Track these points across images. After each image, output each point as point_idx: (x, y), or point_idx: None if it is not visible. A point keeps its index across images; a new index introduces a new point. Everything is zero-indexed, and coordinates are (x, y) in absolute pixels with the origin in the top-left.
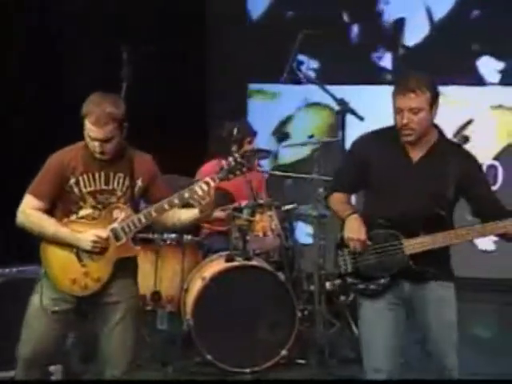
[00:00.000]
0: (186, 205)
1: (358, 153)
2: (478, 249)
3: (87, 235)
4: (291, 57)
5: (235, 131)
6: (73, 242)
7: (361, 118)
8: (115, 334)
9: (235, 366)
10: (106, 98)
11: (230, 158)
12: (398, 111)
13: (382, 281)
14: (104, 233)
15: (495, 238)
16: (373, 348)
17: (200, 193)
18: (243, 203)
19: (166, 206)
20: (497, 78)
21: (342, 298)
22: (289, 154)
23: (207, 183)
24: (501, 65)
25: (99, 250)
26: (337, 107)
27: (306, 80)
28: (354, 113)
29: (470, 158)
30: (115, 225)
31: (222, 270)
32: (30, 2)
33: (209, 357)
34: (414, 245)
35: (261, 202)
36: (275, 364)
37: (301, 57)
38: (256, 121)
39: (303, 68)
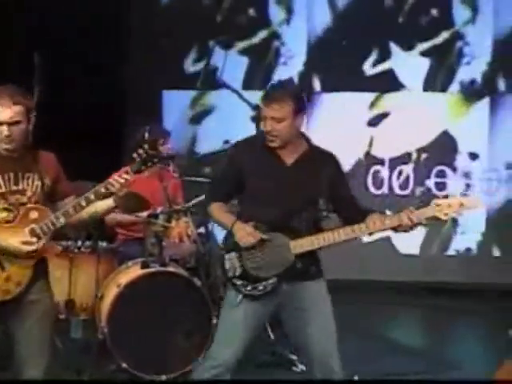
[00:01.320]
0: None
1: (232, 160)
2: (401, 253)
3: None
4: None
5: (146, 134)
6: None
7: None
8: (33, 333)
9: (151, 373)
10: (14, 86)
11: (140, 150)
12: (263, 118)
13: (270, 281)
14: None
15: (419, 242)
16: (222, 347)
17: (116, 185)
18: (159, 209)
19: (83, 203)
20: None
21: None
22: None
23: (121, 176)
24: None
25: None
26: (252, 113)
27: (224, 85)
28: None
29: (337, 164)
30: (34, 225)
31: (138, 277)
32: None
33: (124, 364)
34: (300, 245)
35: (177, 207)
36: (191, 370)
37: (219, 63)
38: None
39: (220, 74)
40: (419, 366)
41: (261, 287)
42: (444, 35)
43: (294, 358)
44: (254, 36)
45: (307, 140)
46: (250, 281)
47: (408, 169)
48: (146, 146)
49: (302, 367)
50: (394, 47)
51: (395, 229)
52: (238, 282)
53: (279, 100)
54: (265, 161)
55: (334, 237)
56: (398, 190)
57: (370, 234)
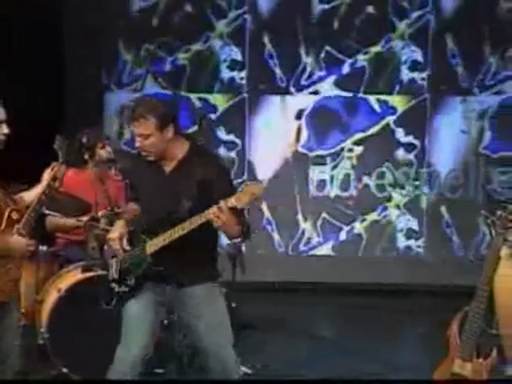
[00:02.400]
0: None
1: (123, 172)
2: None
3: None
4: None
5: (84, 139)
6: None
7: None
8: None
9: (92, 378)
10: None
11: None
12: (136, 136)
13: (129, 282)
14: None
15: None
16: (126, 344)
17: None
18: (100, 212)
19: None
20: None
21: None
22: None
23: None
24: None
25: None
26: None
27: (164, 88)
28: (212, 121)
29: (216, 165)
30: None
31: (78, 281)
32: None
33: (64, 369)
34: (153, 244)
35: (118, 210)
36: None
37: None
38: None
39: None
40: (364, 366)
41: (124, 288)
42: (385, 37)
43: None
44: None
45: (191, 144)
46: (120, 282)
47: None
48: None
49: (245, 369)
50: (333, 52)
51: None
52: (113, 284)
53: (142, 117)
54: (147, 172)
55: (177, 230)
56: (338, 191)
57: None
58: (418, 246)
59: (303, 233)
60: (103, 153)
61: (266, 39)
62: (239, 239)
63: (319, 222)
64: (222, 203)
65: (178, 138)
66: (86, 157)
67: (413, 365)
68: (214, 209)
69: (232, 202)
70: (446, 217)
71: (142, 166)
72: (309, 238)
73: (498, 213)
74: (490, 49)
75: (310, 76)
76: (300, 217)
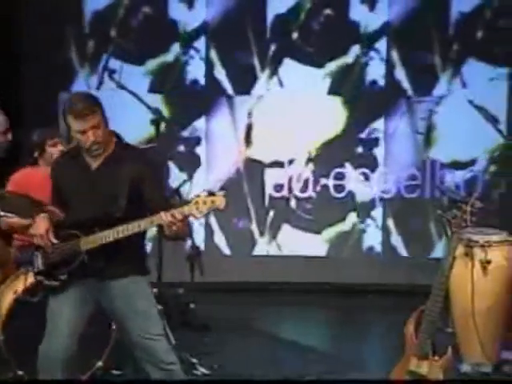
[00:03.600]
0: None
1: (51, 174)
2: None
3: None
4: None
5: (35, 137)
6: None
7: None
8: None
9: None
10: None
11: None
12: (81, 133)
13: (62, 277)
14: None
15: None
16: (52, 339)
17: None
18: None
19: None
20: None
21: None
22: None
23: None
24: None
25: None
26: (152, 116)
27: (121, 87)
28: (168, 122)
29: (146, 162)
30: None
31: (35, 284)
32: None
33: (20, 372)
34: (88, 241)
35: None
36: (91, 375)
37: (115, 64)
38: None
39: (117, 76)
40: (320, 367)
41: (55, 282)
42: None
43: (195, 361)
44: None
45: (117, 140)
46: (49, 276)
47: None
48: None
49: (202, 370)
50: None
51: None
52: (39, 277)
53: (90, 110)
54: (74, 170)
55: (117, 232)
56: (297, 193)
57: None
58: (377, 247)
59: (262, 234)
60: (54, 151)
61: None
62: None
63: (275, 224)
64: (176, 212)
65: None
66: (35, 154)
67: (370, 364)
68: (169, 216)
69: (193, 212)
70: (403, 217)
71: (68, 162)
72: (268, 239)
73: (454, 212)
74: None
75: (264, 78)
76: (254, 220)
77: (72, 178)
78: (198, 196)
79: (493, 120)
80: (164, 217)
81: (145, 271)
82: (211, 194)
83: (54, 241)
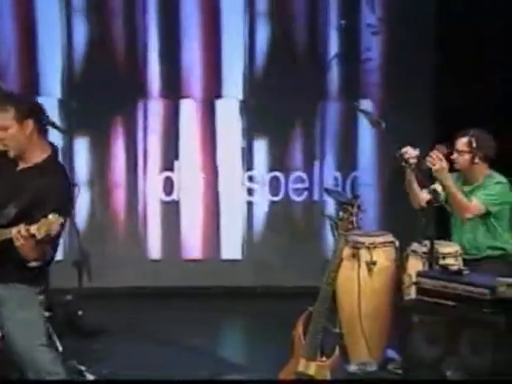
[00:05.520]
0: None
1: None
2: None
3: None
4: None
5: None
6: None
7: (61, 131)
8: None
9: None
10: None
11: None
12: None
13: None
14: None
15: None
16: None
17: None
18: None
19: None
20: None
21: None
22: None
23: None
24: None
25: None
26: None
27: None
28: (55, 126)
29: (56, 184)
30: None
31: None
32: None
33: None
34: None
35: None
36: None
37: None
38: None
39: None
40: (211, 369)
41: None
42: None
43: (83, 368)
44: None
45: (52, 153)
46: None
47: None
48: None
49: (90, 377)
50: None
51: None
52: None
53: (1, 108)
54: (4, 167)
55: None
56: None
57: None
58: (267, 249)
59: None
60: None
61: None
62: (35, 263)
63: (167, 228)
64: (22, 227)
65: (40, 140)
66: None
67: (259, 365)
68: (16, 229)
69: (31, 230)
70: (291, 219)
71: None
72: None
73: (341, 214)
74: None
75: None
76: (148, 223)
77: (2, 176)
78: (46, 217)
79: (377, 124)
80: (13, 230)
81: (26, 279)
82: (50, 216)
83: None
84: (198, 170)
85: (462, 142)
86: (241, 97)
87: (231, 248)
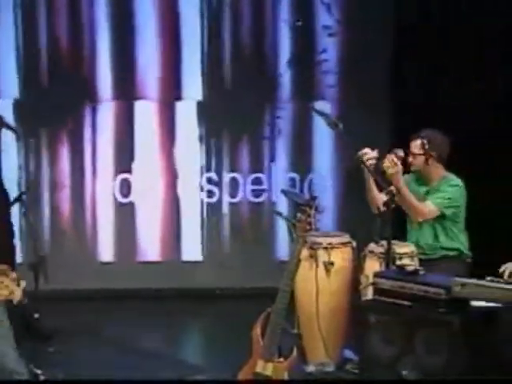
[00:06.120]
0: None
1: None
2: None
3: None
4: None
5: None
6: None
7: (16, 132)
8: None
9: None
10: None
11: None
12: None
13: None
14: None
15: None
16: None
17: None
18: None
19: None
20: None
21: None
22: None
23: None
24: None
25: None
26: None
27: None
28: (9, 127)
29: None
30: None
31: None
32: None
33: None
34: None
35: None
36: None
37: None
38: None
39: None
40: (168, 370)
41: None
42: None
43: (39, 371)
44: None
45: None
46: None
47: None
48: None
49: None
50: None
51: None
52: None
53: None
54: None
55: None
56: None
57: None
58: (224, 250)
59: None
60: None
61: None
62: None
63: (121, 231)
64: None
65: None
66: None
67: (219, 366)
68: None
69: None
70: (249, 220)
71: None
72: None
73: (298, 216)
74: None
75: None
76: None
77: None
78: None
79: (334, 125)
80: None
81: None
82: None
83: None
84: (156, 172)
85: (415, 145)
86: (199, 98)
87: (191, 250)
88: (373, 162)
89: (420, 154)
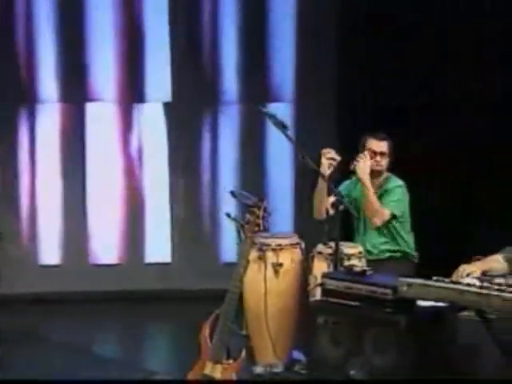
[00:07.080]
0: None
1: None
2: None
3: None
4: None
5: None
6: None
7: None
8: None
9: None
10: None
11: None
12: None
13: None
14: None
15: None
16: None
17: None
18: None
19: None
20: None
21: None
22: None
23: None
24: None
25: None
26: None
27: None
28: None
29: None
30: None
31: None
32: None
33: None
34: None
35: None
36: None
37: None
38: None
39: None
40: (115, 371)
41: None
42: None
43: None
44: None
45: None
46: None
47: None
48: None
49: None
50: None
51: None
52: None
53: None
54: None
55: None
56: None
57: None
58: (168, 253)
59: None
60: None
61: None
62: None
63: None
64: None
65: None
66: None
67: (167, 367)
68: None
69: None
70: (197, 222)
71: None
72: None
73: (247, 217)
74: None
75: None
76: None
77: None
78: None
79: (282, 126)
80: None
81: None
82: None
83: None
84: (114, 172)
85: (383, 144)
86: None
87: (137, 252)
88: (331, 162)
89: (388, 155)
